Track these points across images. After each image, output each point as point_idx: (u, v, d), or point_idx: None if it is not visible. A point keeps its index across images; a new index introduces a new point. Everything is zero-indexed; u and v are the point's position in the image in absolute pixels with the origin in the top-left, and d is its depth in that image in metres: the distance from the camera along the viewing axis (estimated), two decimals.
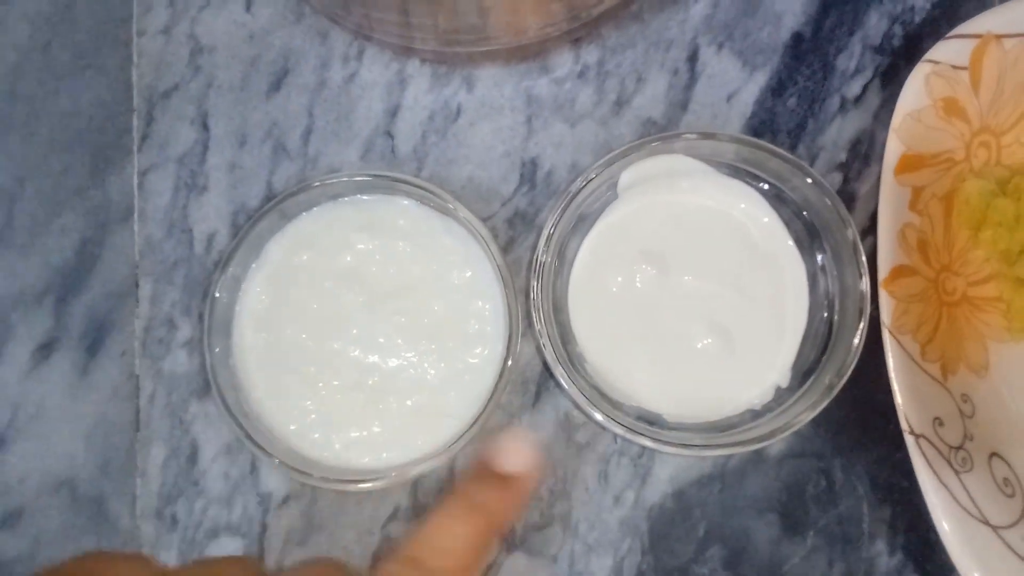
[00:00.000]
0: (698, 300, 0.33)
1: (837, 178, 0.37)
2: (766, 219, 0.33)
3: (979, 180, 0.34)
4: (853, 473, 0.35)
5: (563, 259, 0.34)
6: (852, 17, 0.38)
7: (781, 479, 0.36)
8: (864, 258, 0.31)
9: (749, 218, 0.34)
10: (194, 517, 0.36)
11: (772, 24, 0.38)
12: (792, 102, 0.38)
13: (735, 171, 0.34)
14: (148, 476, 0.37)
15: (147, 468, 0.37)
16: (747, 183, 0.34)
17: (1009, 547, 0.32)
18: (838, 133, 0.37)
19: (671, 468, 0.36)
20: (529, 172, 0.38)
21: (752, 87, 0.38)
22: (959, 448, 0.33)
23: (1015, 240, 0.33)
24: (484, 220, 0.37)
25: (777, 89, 0.38)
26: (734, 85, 0.38)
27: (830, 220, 0.32)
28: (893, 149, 0.33)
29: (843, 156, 0.37)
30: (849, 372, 0.31)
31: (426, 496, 0.36)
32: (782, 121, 0.38)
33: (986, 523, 0.32)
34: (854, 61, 0.38)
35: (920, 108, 0.34)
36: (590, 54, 0.39)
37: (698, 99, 0.38)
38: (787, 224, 0.34)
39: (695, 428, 0.33)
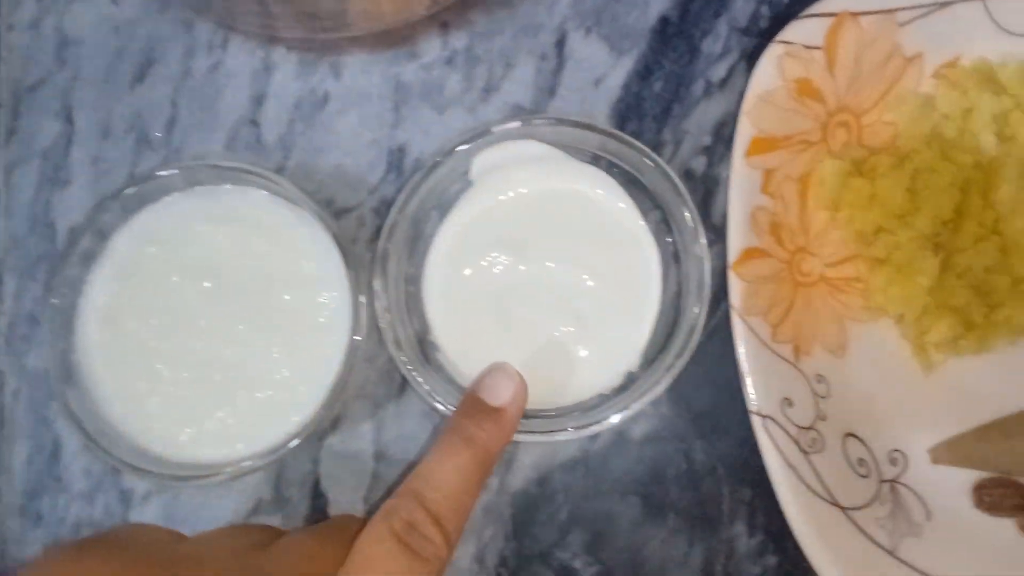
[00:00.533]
0: (554, 287, 0.33)
1: (702, 162, 0.37)
2: (622, 204, 0.33)
3: (834, 160, 0.34)
4: (714, 454, 0.35)
5: (417, 247, 0.34)
6: (719, 0, 0.38)
7: (643, 462, 0.36)
8: (704, 240, 0.32)
9: (605, 204, 0.33)
10: (57, 513, 0.36)
11: (639, 8, 0.38)
12: (658, 86, 0.38)
13: (590, 156, 0.34)
14: (12, 473, 0.36)
15: (11, 464, 0.36)
16: (602, 169, 0.34)
17: (859, 528, 0.32)
18: (703, 116, 0.37)
19: (535, 454, 0.36)
20: (397, 159, 0.37)
21: (619, 71, 0.38)
22: (809, 428, 0.33)
23: (869, 220, 0.33)
24: (352, 209, 0.37)
25: (644, 73, 0.38)
26: (601, 70, 0.38)
27: (674, 203, 0.32)
28: (744, 132, 0.33)
29: (708, 140, 0.37)
30: (687, 354, 0.31)
31: (289, 488, 0.36)
32: (648, 105, 0.38)
33: (835, 504, 0.32)
34: (720, 44, 0.38)
35: (772, 90, 0.34)
36: (458, 40, 0.38)
37: (566, 84, 0.38)
38: (642, 209, 0.34)
39: (547, 414, 0.33)
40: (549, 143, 0.34)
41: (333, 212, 0.37)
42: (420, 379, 0.32)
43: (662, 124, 0.37)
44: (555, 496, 0.36)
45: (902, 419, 0.34)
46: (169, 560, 0.26)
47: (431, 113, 0.38)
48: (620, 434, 0.36)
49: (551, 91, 0.38)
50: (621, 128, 0.37)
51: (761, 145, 0.34)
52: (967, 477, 0.34)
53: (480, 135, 0.32)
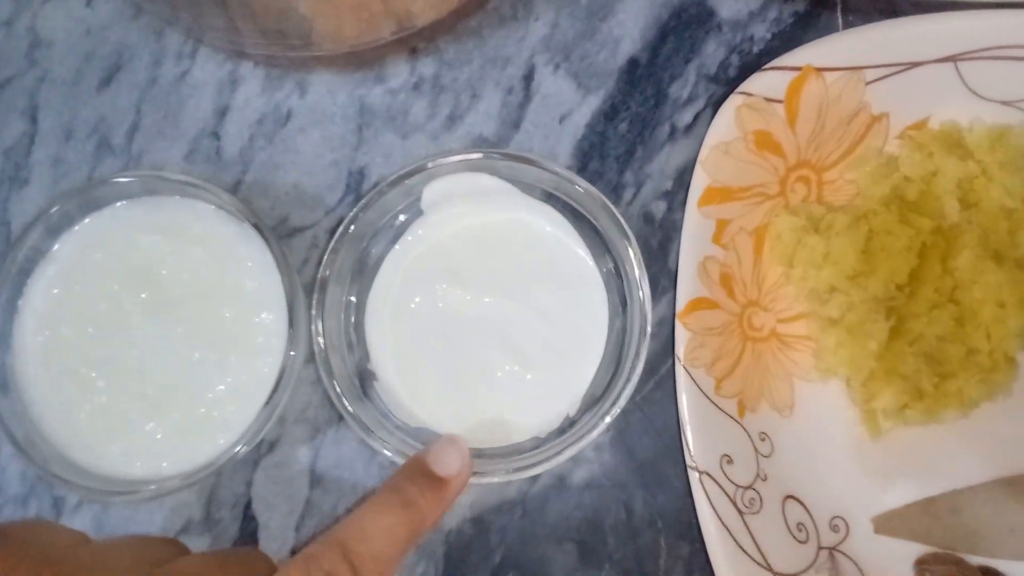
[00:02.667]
0: (499, 323, 0.33)
1: (662, 206, 0.36)
2: (573, 244, 0.33)
3: (791, 216, 0.34)
4: (654, 507, 0.34)
5: (364, 274, 0.33)
6: (690, 45, 0.38)
7: (582, 509, 0.35)
8: (646, 288, 0.31)
9: (555, 242, 0.33)
10: None
11: (609, 48, 0.38)
12: (623, 127, 0.37)
13: (544, 194, 0.34)
14: None
15: None
16: (553, 206, 0.33)
17: None
18: (666, 161, 0.37)
19: (472, 494, 0.35)
20: (356, 182, 0.37)
21: (585, 110, 0.37)
22: (749, 488, 0.32)
23: (822, 279, 0.33)
24: (306, 228, 0.37)
25: (609, 113, 0.37)
26: (567, 107, 0.37)
27: (622, 247, 0.32)
28: (698, 181, 0.33)
29: (669, 185, 0.37)
30: (620, 404, 0.30)
31: (220, 510, 0.35)
32: (612, 145, 0.37)
33: (769, 569, 0.31)
34: (687, 89, 0.37)
35: (730, 140, 0.33)
36: (427, 67, 0.38)
37: (531, 119, 0.38)
38: (594, 252, 0.33)
39: (484, 454, 0.32)
40: (503, 178, 0.33)
41: (287, 230, 0.36)
42: (351, 409, 0.31)
43: (624, 166, 0.37)
44: (490, 538, 0.35)
45: (847, 485, 0.33)
46: (67, 563, 0.25)
47: (394, 138, 0.37)
48: (560, 478, 0.35)
49: (515, 125, 0.37)
50: (584, 167, 0.37)
51: (715, 195, 0.33)
52: (910, 550, 0.33)
53: (429, 166, 0.32)
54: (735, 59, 0.37)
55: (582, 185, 0.32)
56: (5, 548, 0.25)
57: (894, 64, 0.33)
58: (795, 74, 0.33)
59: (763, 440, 0.33)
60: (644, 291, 0.31)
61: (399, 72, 0.38)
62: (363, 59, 0.38)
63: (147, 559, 0.26)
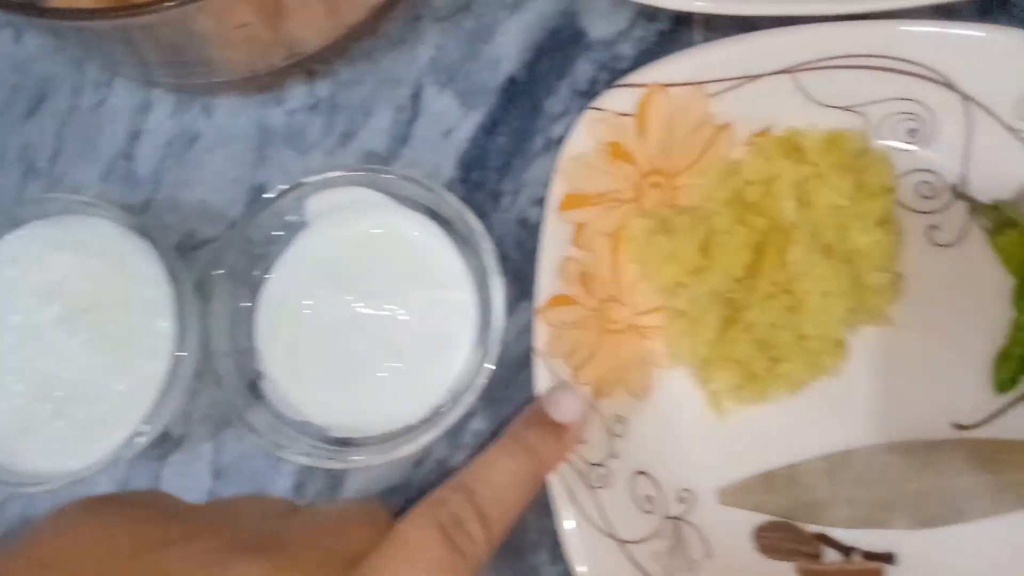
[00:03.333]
0: (377, 324, 0.36)
1: (537, 212, 0.40)
2: (443, 250, 0.36)
3: (642, 219, 0.37)
4: None
5: (252, 282, 0.37)
6: (563, 64, 0.41)
7: None
8: (500, 290, 0.34)
9: (427, 249, 0.36)
10: None
11: (491, 68, 0.41)
12: (502, 140, 0.41)
13: (422, 207, 0.37)
14: None
15: None
16: (426, 216, 0.37)
17: (633, 561, 0.34)
18: (540, 170, 0.40)
19: (361, 480, 0.38)
20: (255, 197, 0.41)
21: (468, 125, 0.41)
22: (599, 465, 0.35)
23: (668, 274, 0.36)
24: (211, 240, 0.41)
25: (490, 128, 0.41)
26: (452, 123, 0.41)
27: (483, 251, 0.35)
28: (557, 189, 0.36)
29: (542, 192, 0.40)
30: (472, 394, 0.34)
31: None
32: (492, 157, 0.41)
33: (612, 537, 0.34)
34: (561, 104, 0.41)
35: (585, 151, 0.36)
36: (323, 88, 0.42)
37: (418, 134, 0.41)
38: (462, 256, 0.36)
39: (367, 442, 0.36)
40: (382, 191, 0.37)
41: (194, 243, 0.40)
42: (239, 408, 0.34)
43: (503, 175, 0.40)
44: None
45: (695, 461, 0.36)
46: (194, 516, 0.27)
47: (292, 155, 0.41)
48: (441, 462, 0.38)
49: (404, 140, 0.41)
50: (466, 177, 0.40)
51: (573, 201, 0.36)
52: (751, 520, 0.36)
53: (308, 181, 0.35)
54: (604, 75, 0.41)
55: (447, 196, 0.35)
56: (132, 506, 0.27)
57: (734, 78, 0.37)
58: (642, 90, 0.37)
59: (618, 422, 0.36)
60: (498, 294, 0.34)
61: (297, 94, 0.42)
62: (264, 83, 0.41)
63: (271, 512, 0.28)
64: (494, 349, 0.34)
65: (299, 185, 0.35)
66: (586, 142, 0.37)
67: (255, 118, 0.41)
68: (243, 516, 0.28)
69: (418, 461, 0.38)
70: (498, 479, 0.29)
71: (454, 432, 0.38)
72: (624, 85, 0.37)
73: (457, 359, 0.35)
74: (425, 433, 0.34)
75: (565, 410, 0.31)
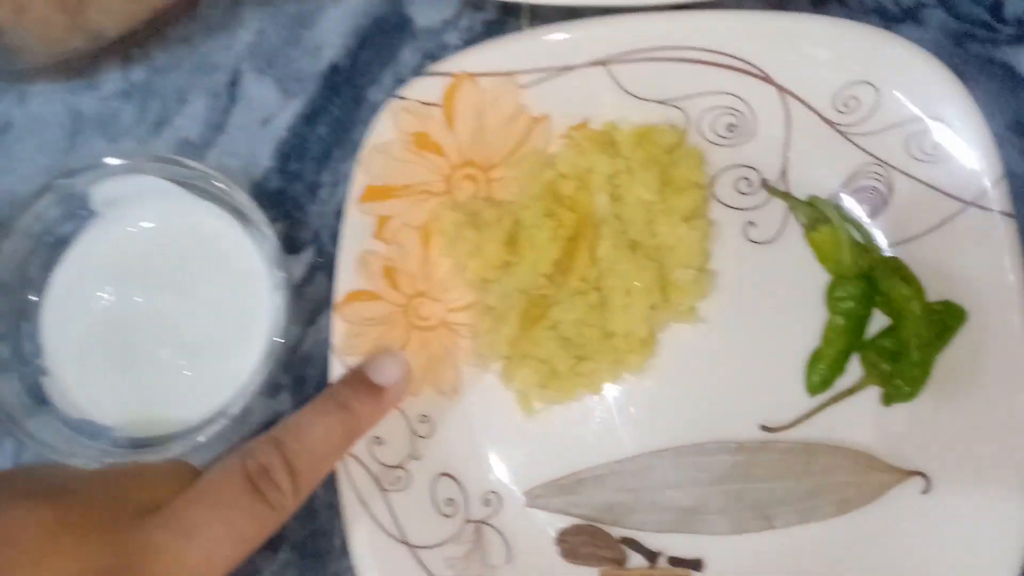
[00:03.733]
0: (170, 320, 0.35)
1: None
2: (238, 243, 0.35)
3: (453, 212, 0.36)
4: (332, 487, 0.37)
5: (39, 275, 0.35)
6: (387, 52, 0.40)
7: None
8: (275, 279, 0.33)
9: (221, 241, 0.35)
10: None
11: (312, 54, 0.40)
12: (322, 130, 0.39)
13: (207, 193, 0.35)
14: None
15: None
16: (218, 205, 0.35)
17: (423, 565, 0.33)
18: None
19: None
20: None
21: (287, 113, 0.39)
22: (396, 467, 0.34)
23: (475, 269, 0.35)
24: None
25: (310, 116, 0.39)
26: (270, 110, 0.39)
27: (267, 248, 0.34)
28: (358, 180, 0.35)
29: None
30: (249, 392, 0.32)
31: None
32: (311, 147, 0.39)
33: (404, 542, 0.33)
34: (384, 94, 0.39)
35: (388, 141, 0.35)
36: (138, 74, 0.40)
37: (235, 122, 0.39)
38: (259, 249, 0.35)
39: (155, 441, 0.34)
40: (172, 180, 0.35)
41: (6, 233, 0.38)
42: (11, 409, 0.33)
43: (322, 166, 0.39)
44: None
45: (504, 462, 0.35)
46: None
47: (103, 143, 0.39)
48: None
49: (220, 128, 0.39)
50: (284, 168, 0.39)
51: (375, 193, 0.35)
52: (558, 523, 0.35)
53: (90, 167, 0.34)
54: (429, 64, 0.39)
55: (234, 190, 0.34)
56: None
57: (546, 68, 0.36)
58: (449, 79, 0.35)
59: (423, 422, 0.35)
60: (281, 292, 0.33)
61: (112, 79, 0.40)
62: (78, 68, 0.40)
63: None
64: (277, 347, 0.33)
65: (74, 172, 0.34)
66: (391, 132, 0.35)
67: (68, 105, 0.40)
68: (57, 474, 0.27)
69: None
70: (310, 433, 0.29)
71: (260, 432, 0.36)
72: (430, 74, 0.35)
73: (248, 356, 0.34)
74: (216, 429, 0.32)
75: (385, 372, 0.32)
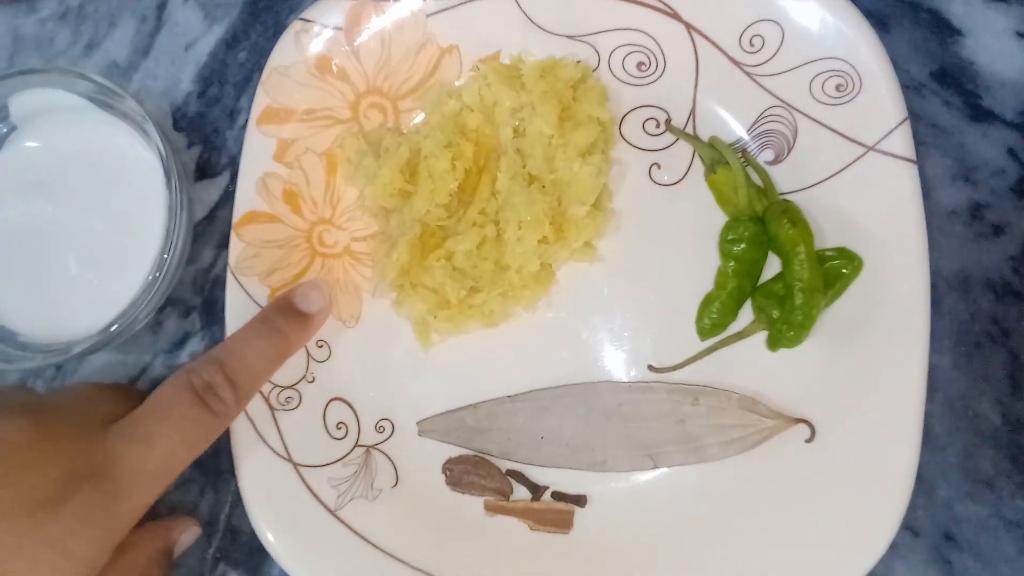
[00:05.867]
0: (78, 231, 0.35)
1: None
2: (142, 158, 0.35)
3: (356, 141, 0.36)
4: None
5: None
6: None
7: None
8: (165, 198, 0.33)
9: (129, 157, 0.36)
10: None
11: None
12: (243, 56, 0.39)
13: (119, 112, 0.36)
14: None
15: None
16: (123, 120, 0.36)
17: (304, 483, 0.34)
18: None
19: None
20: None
21: (209, 39, 0.40)
22: (289, 388, 0.35)
23: (373, 196, 0.35)
24: None
25: (231, 42, 0.40)
26: (193, 35, 0.40)
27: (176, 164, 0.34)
28: (259, 101, 0.35)
29: None
30: (150, 308, 0.33)
31: None
32: (231, 73, 0.39)
33: (288, 460, 0.34)
34: None
35: (289, 64, 0.35)
36: None
37: (160, 46, 0.40)
38: (165, 169, 0.35)
39: (56, 347, 0.35)
40: (88, 97, 0.36)
41: None
42: None
43: (241, 91, 0.39)
44: None
45: (400, 391, 0.36)
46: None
47: (39, 64, 0.40)
48: (154, 382, 0.38)
49: (145, 52, 0.40)
50: (204, 92, 0.39)
51: (275, 115, 0.35)
52: (448, 453, 0.35)
53: (6, 74, 0.35)
54: None
55: (135, 107, 0.34)
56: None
57: None
58: (352, 3, 0.35)
59: (320, 347, 0.36)
60: (183, 213, 0.34)
61: (50, 2, 0.41)
62: None
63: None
64: (152, 267, 0.33)
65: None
66: (293, 55, 0.35)
67: (10, 27, 0.40)
68: (29, 393, 0.33)
69: (133, 379, 0.38)
70: (247, 353, 0.32)
71: (170, 351, 0.38)
72: None
73: (141, 269, 0.35)
74: (114, 339, 0.33)
75: (311, 302, 0.34)
